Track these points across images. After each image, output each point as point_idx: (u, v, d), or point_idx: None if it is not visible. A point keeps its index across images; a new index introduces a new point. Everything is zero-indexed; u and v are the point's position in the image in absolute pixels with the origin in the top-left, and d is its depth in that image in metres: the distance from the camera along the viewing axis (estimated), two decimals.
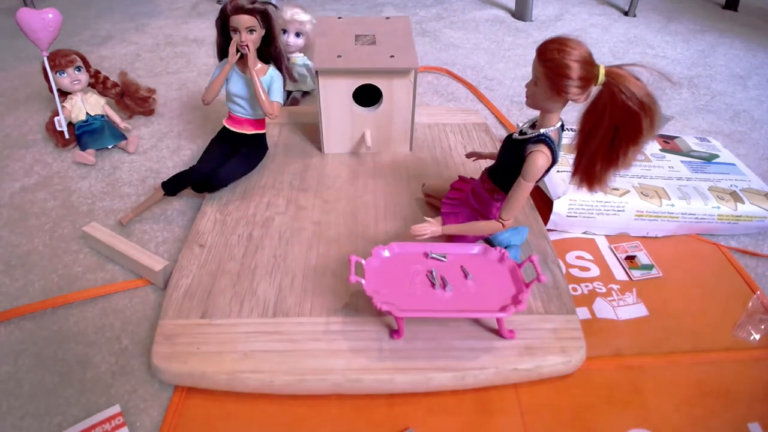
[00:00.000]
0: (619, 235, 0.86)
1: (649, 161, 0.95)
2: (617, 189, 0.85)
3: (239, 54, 0.85)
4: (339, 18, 1.00)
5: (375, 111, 0.95)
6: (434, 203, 0.86)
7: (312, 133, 1.05)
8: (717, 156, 0.99)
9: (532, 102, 0.64)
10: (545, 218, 0.85)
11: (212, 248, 0.78)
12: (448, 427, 0.59)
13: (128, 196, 0.94)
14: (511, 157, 0.67)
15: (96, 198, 0.94)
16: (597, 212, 0.84)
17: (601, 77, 0.58)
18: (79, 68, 1.04)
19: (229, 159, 0.91)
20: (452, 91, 1.34)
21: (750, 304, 0.75)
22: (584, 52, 0.57)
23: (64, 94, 1.05)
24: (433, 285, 0.65)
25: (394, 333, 0.65)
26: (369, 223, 0.84)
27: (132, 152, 1.06)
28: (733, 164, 0.96)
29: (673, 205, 0.84)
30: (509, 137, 0.69)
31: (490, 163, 0.77)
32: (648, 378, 0.65)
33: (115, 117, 1.09)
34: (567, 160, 0.88)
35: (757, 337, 0.70)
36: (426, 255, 0.69)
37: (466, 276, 0.66)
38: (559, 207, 0.83)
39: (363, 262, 0.66)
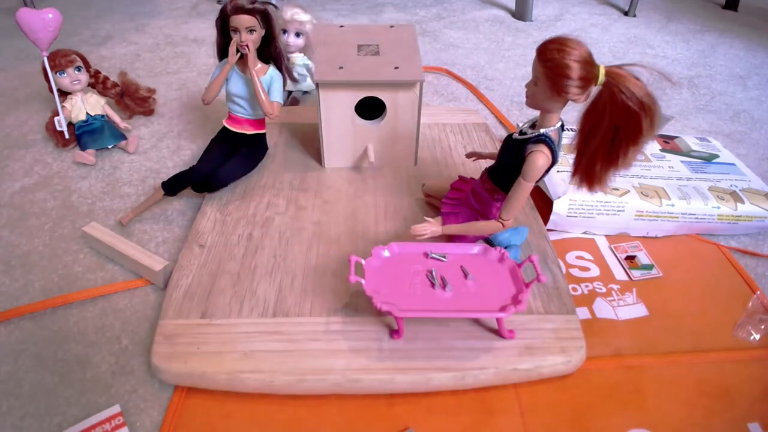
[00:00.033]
0: (619, 235, 0.86)
1: (649, 161, 0.95)
2: (617, 189, 0.85)
3: (239, 54, 0.85)
4: (341, 26, 0.94)
5: (378, 124, 0.92)
6: (434, 203, 0.86)
7: (312, 133, 1.04)
8: (717, 156, 0.99)
9: (532, 102, 0.64)
10: (545, 218, 0.85)
11: (212, 248, 0.78)
12: (448, 427, 0.59)
13: (128, 196, 0.94)
14: (511, 157, 0.67)
15: (96, 198, 0.94)
16: (597, 212, 0.84)
17: (601, 77, 0.58)
18: (79, 68, 1.04)
19: (229, 159, 0.91)
20: (452, 91, 1.34)
21: (750, 304, 0.75)
22: (584, 52, 0.57)
23: (64, 94, 1.05)
24: (433, 285, 0.65)
25: (394, 333, 0.65)
26: (369, 223, 0.84)
27: (132, 152, 1.06)
28: (733, 164, 0.96)
29: (673, 205, 0.84)
30: (509, 137, 0.69)
31: (490, 163, 0.77)
32: (648, 378, 0.65)
33: (115, 117, 1.09)
34: (567, 160, 0.88)
35: (757, 337, 0.70)
36: (426, 255, 0.69)
37: (466, 276, 0.66)
38: (559, 207, 0.83)
39: (363, 262, 0.66)
